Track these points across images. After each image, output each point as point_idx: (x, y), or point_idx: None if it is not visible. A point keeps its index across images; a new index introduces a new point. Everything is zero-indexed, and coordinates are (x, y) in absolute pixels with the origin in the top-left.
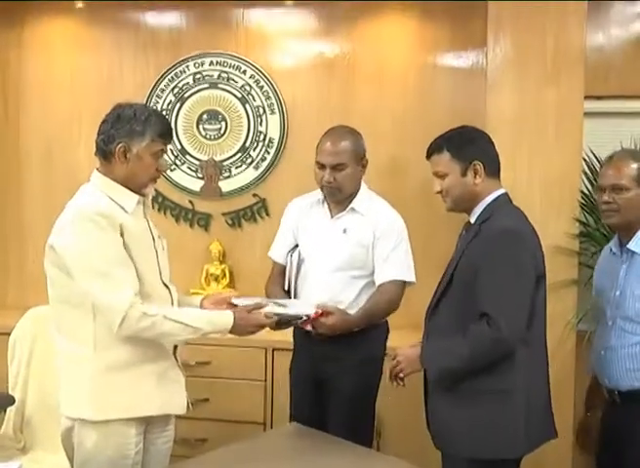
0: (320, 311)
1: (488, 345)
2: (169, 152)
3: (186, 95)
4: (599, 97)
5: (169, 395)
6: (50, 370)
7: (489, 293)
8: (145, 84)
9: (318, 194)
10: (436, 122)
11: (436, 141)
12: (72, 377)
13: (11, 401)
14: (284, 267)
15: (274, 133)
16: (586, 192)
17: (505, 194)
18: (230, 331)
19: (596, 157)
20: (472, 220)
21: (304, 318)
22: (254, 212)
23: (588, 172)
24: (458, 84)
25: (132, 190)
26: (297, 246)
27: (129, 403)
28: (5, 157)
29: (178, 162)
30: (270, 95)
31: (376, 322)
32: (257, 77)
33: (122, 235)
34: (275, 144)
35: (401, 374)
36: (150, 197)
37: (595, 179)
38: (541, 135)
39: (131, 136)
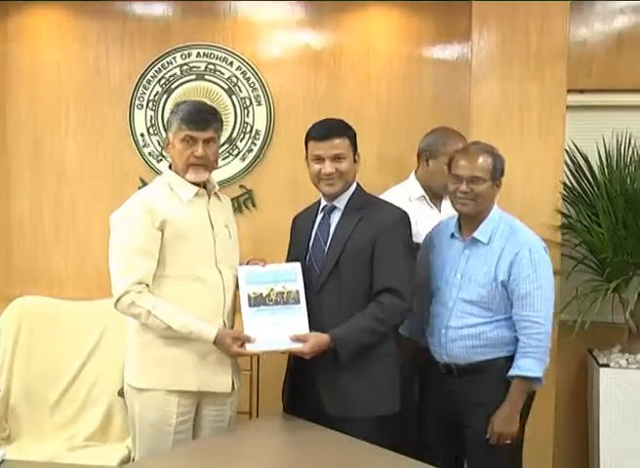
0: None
1: (401, 316)
2: (155, 143)
3: (173, 86)
4: (582, 91)
5: (211, 374)
6: (34, 360)
7: (393, 270)
8: (132, 75)
9: None
10: (421, 114)
11: (336, 125)
12: (128, 346)
13: None
14: None
15: (261, 124)
16: (569, 184)
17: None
18: (214, 344)
19: (578, 150)
20: (341, 205)
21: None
22: (240, 203)
23: (571, 164)
24: (442, 76)
25: (191, 181)
26: None
27: (169, 376)
28: None
29: (165, 153)
30: (257, 86)
31: None
32: (243, 68)
33: (162, 228)
34: (262, 136)
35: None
36: (215, 188)
37: (578, 172)
38: (524, 127)
39: (167, 128)
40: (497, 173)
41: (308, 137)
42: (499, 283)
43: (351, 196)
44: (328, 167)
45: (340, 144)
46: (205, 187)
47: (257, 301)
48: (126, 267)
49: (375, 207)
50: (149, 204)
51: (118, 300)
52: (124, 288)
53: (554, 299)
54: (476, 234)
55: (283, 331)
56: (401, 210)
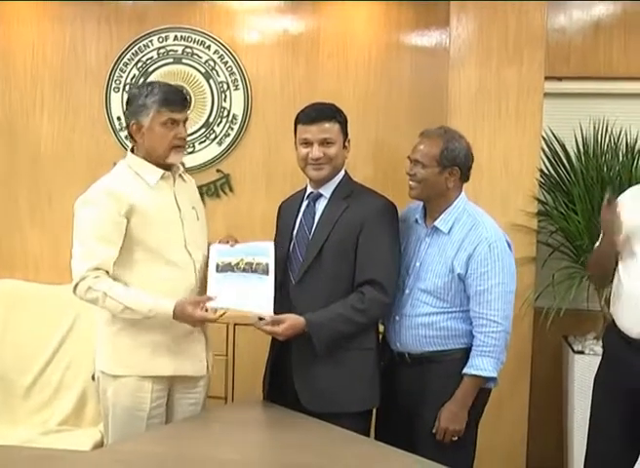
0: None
1: (382, 310)
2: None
3: (150, 69)
4: (560, 78)
5: (185, 358)
6: (8, 344)
7: (377, 262)
8: (109, 57)
9: None
10: (399, 100)
11: (326, 109)
12: (99, 334)
13: None
14: None
15: (238, 109)
16: (545, 171)
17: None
18: (174, 318)
19: (555, 137)
20: (327, 193)
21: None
22: (217, 187)
23: (548, 151)
24: (421, 63)
25: (159, 164)
26: None
27: (144, 362)
28: None
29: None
30: (234, 70)
31: None
32: (221, 53)
33: (129, 214)
34: (239, 120)
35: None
36: (179, 170)
37: (554, 159)
38: (502, 114)
39: (139, 112)
40: (445, 159)
41: (297, 120)
42: (455, 275)
43: (338, 184)
44: (316, 151)
45: (329, 128)
46: (170, 170)
47: (224, 268)
48: (86, 253)
49: (361, 196)
50: (115, 191)
51: (76, 286)
52: (81, 273)
53: (532, 287)
54: (437, 223)
55: (248, 295)
56: (388, 200)
